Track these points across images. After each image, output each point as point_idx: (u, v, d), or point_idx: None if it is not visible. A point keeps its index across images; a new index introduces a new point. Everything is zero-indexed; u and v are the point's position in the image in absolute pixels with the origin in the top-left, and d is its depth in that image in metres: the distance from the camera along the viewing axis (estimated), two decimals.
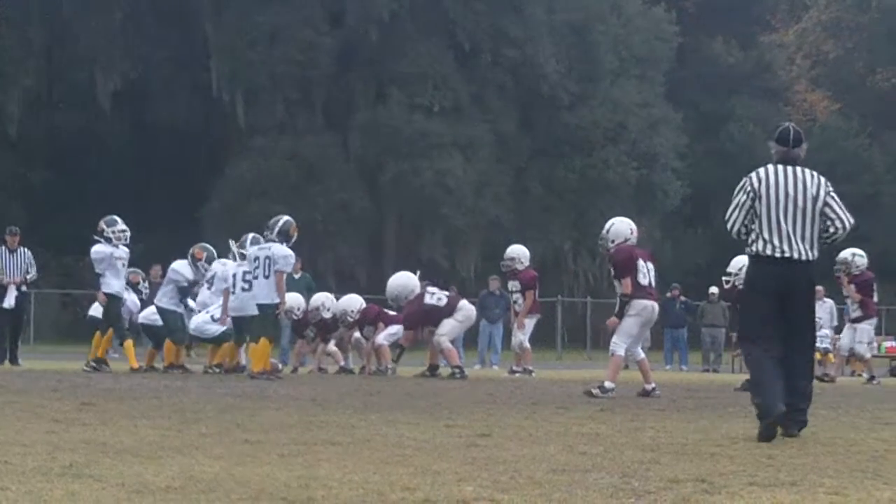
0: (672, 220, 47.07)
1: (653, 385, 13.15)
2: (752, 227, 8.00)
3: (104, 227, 16.37)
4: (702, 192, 46.69)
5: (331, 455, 6.71)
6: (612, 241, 13.19)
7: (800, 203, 7.89)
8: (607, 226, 13.50)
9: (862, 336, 18.33)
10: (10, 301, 18.41)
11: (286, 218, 15.57)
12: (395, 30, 41.75)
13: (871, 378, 18.66)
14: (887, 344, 26.97)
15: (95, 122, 44.50)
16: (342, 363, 18.03)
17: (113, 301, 16.24)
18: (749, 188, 8.01)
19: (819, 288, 24.00)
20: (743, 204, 8.03)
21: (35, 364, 18.34)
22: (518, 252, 18.39)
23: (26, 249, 18.90)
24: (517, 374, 17.97)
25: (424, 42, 42.15)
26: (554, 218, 43.42)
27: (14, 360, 18.30)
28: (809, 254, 7.94)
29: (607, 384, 12.61)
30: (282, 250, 14.96)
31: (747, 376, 15.74)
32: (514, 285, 18.29)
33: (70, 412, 9.17)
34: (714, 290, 27.15)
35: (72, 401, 10.31)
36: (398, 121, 40.55)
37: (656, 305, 13.24)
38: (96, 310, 17.98)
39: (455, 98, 41.71)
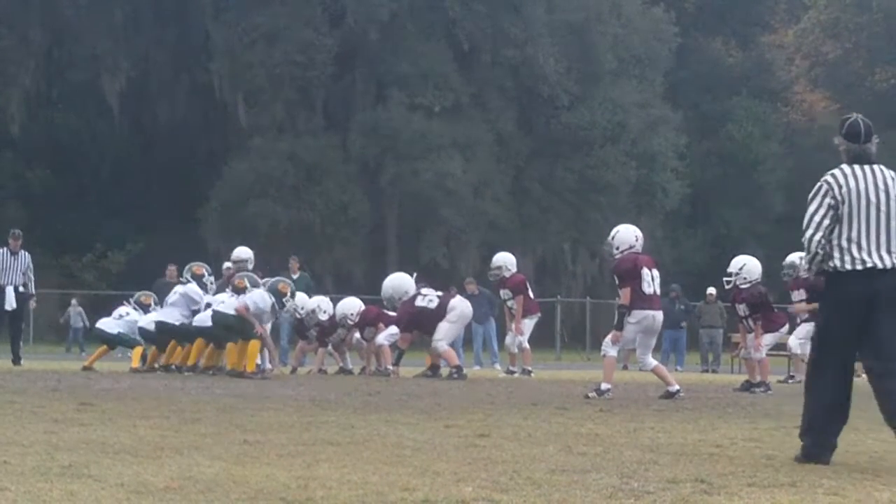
0: (671, 221, 47.06)
1: (676, 387, 12.90)
2: (831, 237, 7.09)
3: (206, 273, 16.64)
4: (701, 192, 46.72)
5: (330, 455, 6.71)
6: (617, 248, 12.97)
7: (882, 208, 7.08)
8: (613, 232, 13.33)
9: (800, 333, 17.69)
10: (11, 303, 18.45)
11: None
12: (394, 30, 41.76)
13: (790, 378, 17.87)
14: None
15: (95, 122, 44.54)
16: (341, 364, 18.04)
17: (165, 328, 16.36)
18: (828, 191, 7.09)
19: None
20: (824, 207, 7.07)
21: (34, 364, 18.34)
22: (504, 260, 18.36)
23: (27, 253, 18.95)
24: (515, 375, 17.97)
25: (424, 42, 42.16)
26: (553, 218, 43.43)
27: (17, 360, 18.33)
28: (894, 261, 7.09)
29: (603, 386, 12.58)
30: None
31: (746, 377, 15.80)
32: (505, 293, 18.25)
33: (69, 412, 9.17)
34: (712, 290, 27.11)
35: (71, 401, 10.31)
36: (397, 121, 40.54)
37: (658, 315, 12.95)
38: (105, 323, 17.95)
39: (455, 98, 41.71)
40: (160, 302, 17.77)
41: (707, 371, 26.14)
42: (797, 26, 56.29)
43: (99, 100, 42.94)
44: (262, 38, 40.66)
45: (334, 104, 42.68)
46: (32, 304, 19.16)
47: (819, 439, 6.97)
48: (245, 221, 38.73)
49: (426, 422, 8.98)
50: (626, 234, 13.12)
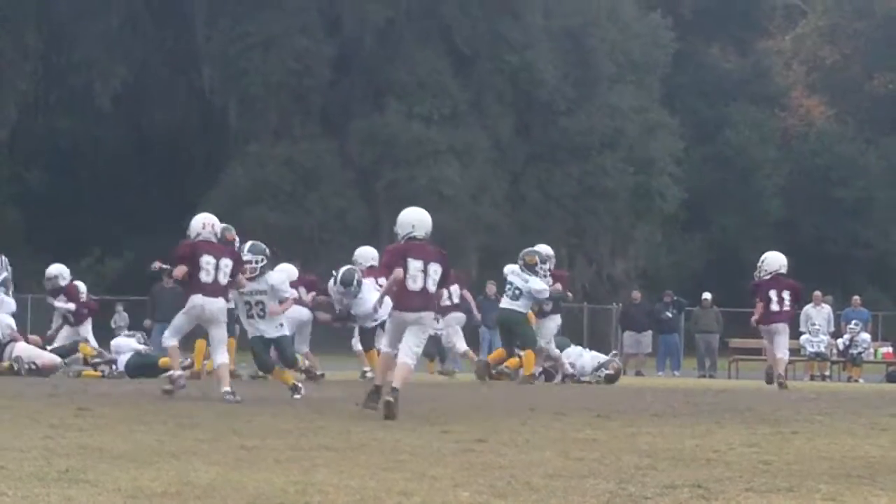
0: (668, 226, 47.06)
1: None
2: None
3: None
4: (698, 198, 46.69)
5: (327, 460, 6.71)
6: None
7: None
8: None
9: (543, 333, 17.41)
10: None
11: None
12: (391, 36, 41.75)
13: (566, 376, 17.63)
14: (883, 350, 26.90)
15: (92, 126, 44.50)
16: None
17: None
18: None
19: (817, 293, 24.05)
20: None
21: None
22: (363, 254, 17.91)
23: (4, 257, 18.74)
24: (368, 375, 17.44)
25: (421, 48, 42.14)
26: (551, 224, 43.34)
27: None
28: None
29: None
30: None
31: (742, 381, 15.85)
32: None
33: (66, 417, 9.16)
34: (707, 295, 27.18)
35: (68, 406, 10.30)
36: (395, 127, 40.52)
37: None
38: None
39: (452, 104, 41.68)
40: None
41: (704, 376, 26.15)
42: (795, 31, 56.37)
43: (96, 104, 42.88)
44: (258, 45, 40.60)
45: (331, 110, 42.63)
46: None
47: None
48: (241, 227, 38.47)
49: (423, 427, 8.97)
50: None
